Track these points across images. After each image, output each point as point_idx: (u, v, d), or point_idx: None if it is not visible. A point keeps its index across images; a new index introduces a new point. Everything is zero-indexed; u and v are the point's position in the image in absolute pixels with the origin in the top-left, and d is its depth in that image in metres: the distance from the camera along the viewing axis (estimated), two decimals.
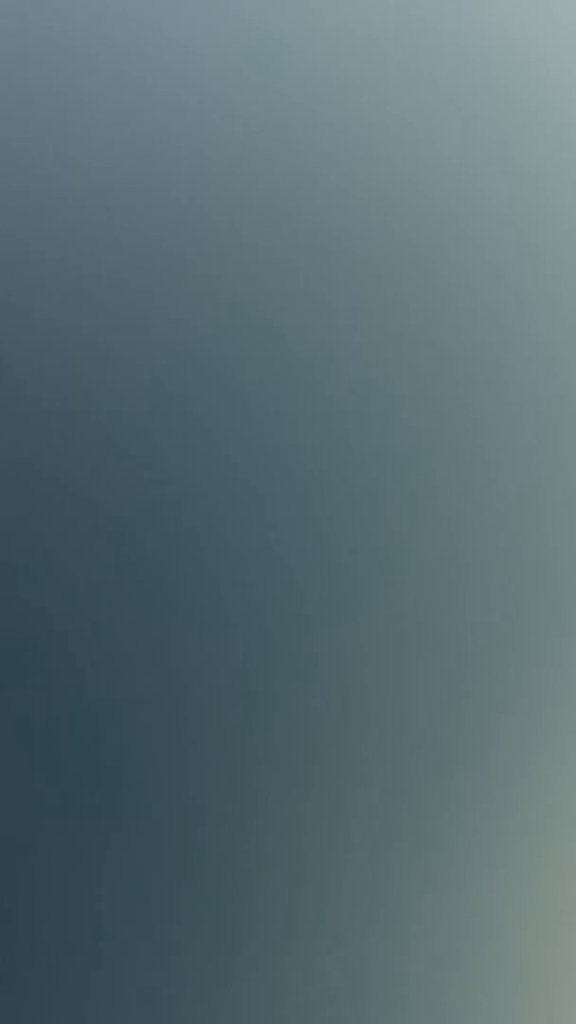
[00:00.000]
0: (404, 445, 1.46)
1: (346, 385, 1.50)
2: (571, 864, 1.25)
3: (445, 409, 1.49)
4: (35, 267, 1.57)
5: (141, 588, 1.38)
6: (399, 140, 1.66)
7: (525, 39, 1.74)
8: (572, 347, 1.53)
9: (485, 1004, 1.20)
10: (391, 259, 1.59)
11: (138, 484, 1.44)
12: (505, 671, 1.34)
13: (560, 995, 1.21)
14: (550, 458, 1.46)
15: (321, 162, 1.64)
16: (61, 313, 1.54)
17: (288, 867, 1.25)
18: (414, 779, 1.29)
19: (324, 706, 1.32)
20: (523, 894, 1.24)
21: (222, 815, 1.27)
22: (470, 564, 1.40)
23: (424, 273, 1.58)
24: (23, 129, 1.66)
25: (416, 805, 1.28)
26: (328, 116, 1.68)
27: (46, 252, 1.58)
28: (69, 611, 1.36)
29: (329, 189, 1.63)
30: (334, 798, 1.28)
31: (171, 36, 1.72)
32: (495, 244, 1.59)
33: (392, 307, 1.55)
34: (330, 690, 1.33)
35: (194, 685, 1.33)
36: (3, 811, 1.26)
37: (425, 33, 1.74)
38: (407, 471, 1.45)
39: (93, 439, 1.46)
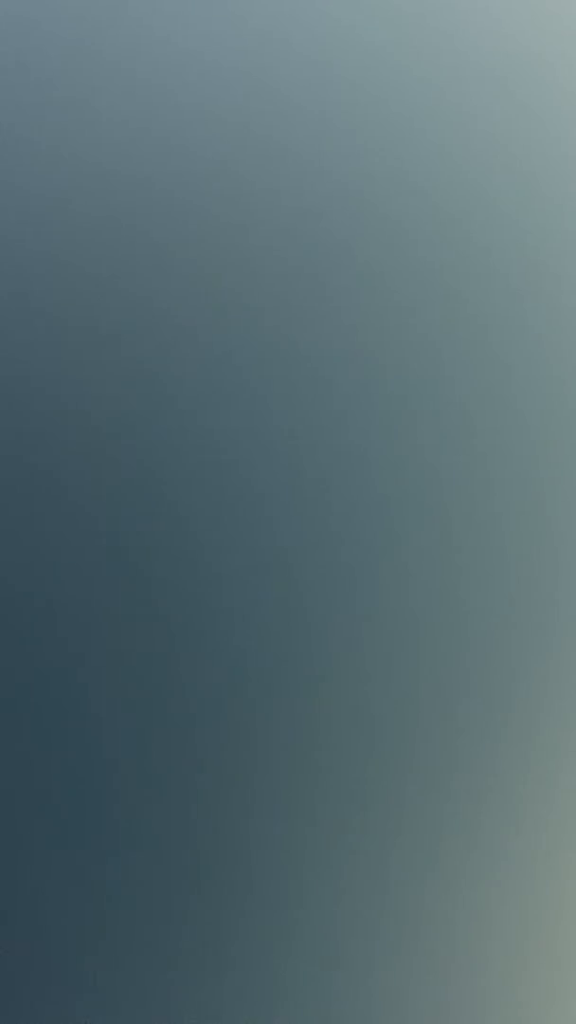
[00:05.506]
0: (404, 445, 1.46)
1: (346, 383, 1.50)
2: (572, 865, 1.25)
3: (446, 409, 1.49)
4: (34, 266, 1.57)
5: (139, 591, 1.38)
6: (400, 139, 1.67)
7: (526, 38, 1.75)
8: (573, 348, 1.53)
9: (485, 1004, 1.20)
10: (391, 259, 1.59)
11: (138, 483, 1.44)
12: (506, 671, 1.34)
13: (560, 995, 1.21)
14: (551, 459, 1.46)
15: (322, 160, 1.65)
16: (59, 312, 1.54)
17: (288, 866, 1.24)
18: (415, 779, 1.29)
19: (324, 705, 1.32)
20: (525, 894, 1.24)
21: (221, 814, 1.26)
22: (470, 564, 1.40)
23: (425, 274, 1.58)
24: (21, 127, 1.66)
25: (417, 805, 1.27)
26: (329, 112, 1.68)
27: (44, 251, 1.58)
28: (66, 612, 1.36)
29: (329, 185, 1.63)
30: (334, 800, 1.28)
31: (171, 32, 1.73)
32: (496, 242, 1.60)
33: (392, 306, 1.55)
34: (330, 689, 1.33)
35: (194, 685, 1.33)
36: (3, 810, 1.26)
37: (427, 30, 1.74)
38: (407, 471, 1.45)
39: (91, 438, 1.46)
